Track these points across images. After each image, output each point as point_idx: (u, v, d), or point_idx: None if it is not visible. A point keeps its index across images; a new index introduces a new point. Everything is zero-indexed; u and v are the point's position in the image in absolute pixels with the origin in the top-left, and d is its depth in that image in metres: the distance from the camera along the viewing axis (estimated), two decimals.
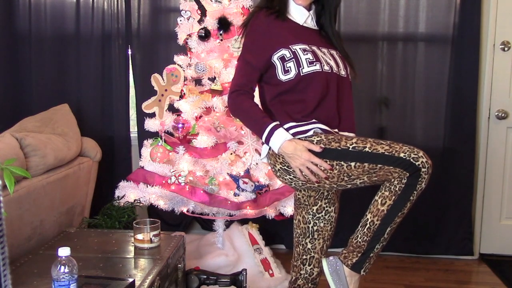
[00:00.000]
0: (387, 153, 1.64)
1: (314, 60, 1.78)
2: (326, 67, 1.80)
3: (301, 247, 1.96)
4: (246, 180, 2.67)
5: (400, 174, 1.64)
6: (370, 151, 1.66)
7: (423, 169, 1.62)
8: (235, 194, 2.68)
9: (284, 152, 1.75)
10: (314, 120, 1.78)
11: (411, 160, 1.62)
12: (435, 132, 3.37)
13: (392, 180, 1.67)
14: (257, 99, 1.89)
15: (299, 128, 1.78)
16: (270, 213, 2.79)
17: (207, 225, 3.43)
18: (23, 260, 2.00)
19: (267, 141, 1.77)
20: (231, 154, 2.74)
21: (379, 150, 1.65)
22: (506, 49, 3.29)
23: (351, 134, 1.82)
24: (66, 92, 3.49)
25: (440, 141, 3.36)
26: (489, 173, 3.41)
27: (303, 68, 1.77)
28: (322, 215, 1.92)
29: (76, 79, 3.49)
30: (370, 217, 1.70)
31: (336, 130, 1.82)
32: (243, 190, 2.67)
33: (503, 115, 3.35)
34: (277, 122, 1.78)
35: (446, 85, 3.32)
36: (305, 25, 1.89)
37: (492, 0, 3.25)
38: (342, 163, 1.69)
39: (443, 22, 3.27)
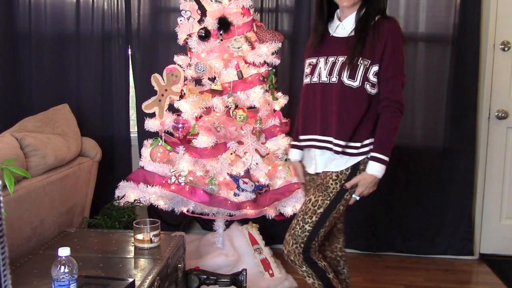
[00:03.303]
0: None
1: (309, 73, 2.00)
2: (314, 79, 1.98)
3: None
4: (246, 180, 2.67)
5: None
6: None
7: None
8: (235, 194, 2.68)
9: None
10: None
11: None
12: (435, 132, 3.36)
13: None
14: None
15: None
16: (270, 213, 2.79)
17: (207, 225, 3.43)
18: (23, 260, 2.00)
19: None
20: (231, 154, 2.74)
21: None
22: (506, 49, 3.29)
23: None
24: (66, 92, 3.48)
25: (440, 141, 3.36)
26: (489, 173, 3.41)
27: (303, 81, 2.06)
28: None
29: (76, 79, 3.49)
30: None
31: (316, 136, 1.99)
32: (243, 190, 2.67)
33: (503, 115, 3.34)
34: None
35: (446, 85, 3.31)
36: (334, 35, 2.02)
37: (492, 0, 3.25)
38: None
39: (443, 22, 3.27)
